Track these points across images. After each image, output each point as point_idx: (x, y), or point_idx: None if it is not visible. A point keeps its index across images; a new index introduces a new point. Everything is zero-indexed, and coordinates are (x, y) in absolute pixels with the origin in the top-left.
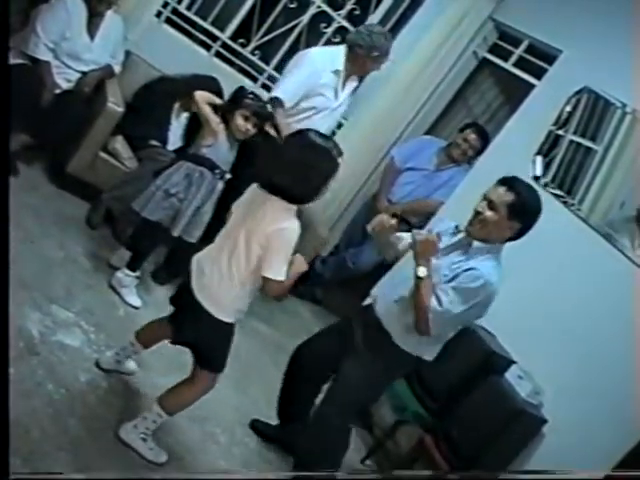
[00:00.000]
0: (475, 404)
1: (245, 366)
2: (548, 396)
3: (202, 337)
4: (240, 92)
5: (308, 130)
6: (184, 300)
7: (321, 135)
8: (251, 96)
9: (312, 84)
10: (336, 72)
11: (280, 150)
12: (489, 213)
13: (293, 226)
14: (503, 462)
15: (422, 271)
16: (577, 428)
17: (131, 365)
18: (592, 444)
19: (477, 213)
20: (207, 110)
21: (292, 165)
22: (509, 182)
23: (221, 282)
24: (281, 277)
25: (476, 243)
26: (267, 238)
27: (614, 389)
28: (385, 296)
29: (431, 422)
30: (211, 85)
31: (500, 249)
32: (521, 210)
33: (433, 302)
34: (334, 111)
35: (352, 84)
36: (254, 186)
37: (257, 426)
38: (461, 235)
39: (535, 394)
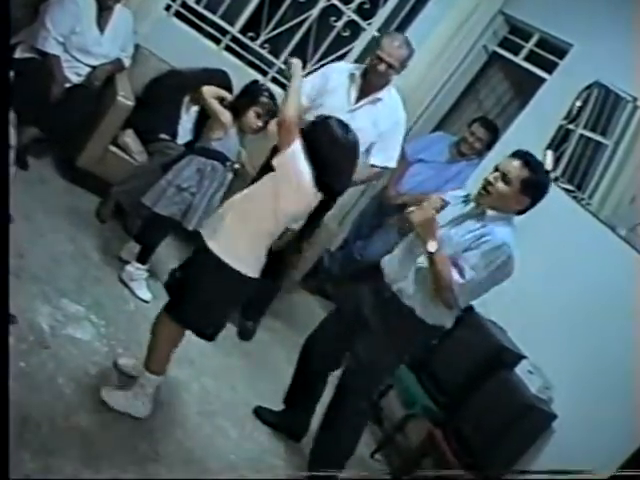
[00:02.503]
0: (485, 399)
1: (256, 361)
2: (558, 391)
3: (197, 278)
4: (255, 87)
5: (328, 120)
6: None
7: (342, 124)
8: (266, 93)
9: (322, 84)
10: (351, 76)
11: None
12: (501, 185)
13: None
14: (512, 457)
15: (432, 245)
16: (587, 423)
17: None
18: (602, 439)
19: (488, 183)
20: (215, 104)
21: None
22: (524, 157)
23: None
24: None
25: (489, 212)
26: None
27: (624, 385)
28: (399, 270)
29: (441, 416)
30: (221, 79)
31: (512, 217)
32: (534, 187)
33: (455, 275)
34: (350, 115)
35: (374, 95)
36: None
37: (260, 412)
38: (472, 204)
39: (545, 389)
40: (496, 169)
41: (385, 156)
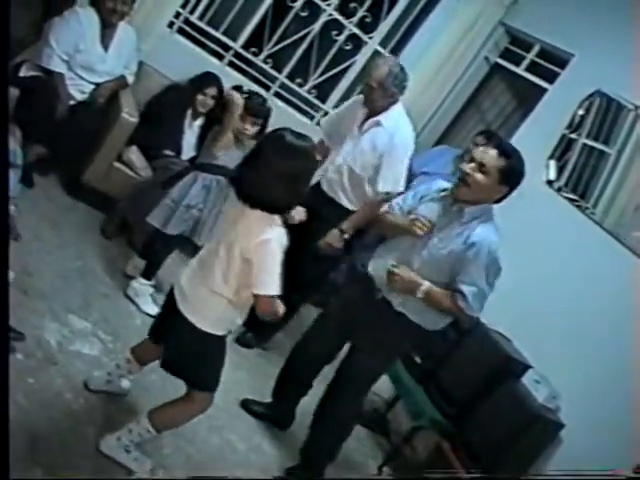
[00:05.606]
0: (492, 409)
1: (261, 373)
2: (565, 400)
3: (191, 353)
4: (254, 99)
5: (283, 131)
6: (170, 323)
7: (297, 134)
8: (260, 100)
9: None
10: (358, 104)
11: (258, 159)
12: (479, 176)
13: (278, 236)
14: (521, 467)
15: (421, 292)
16: (595, 432)
17: (125, 384)
18: (610, 448)
19: (466, 174)
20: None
21: (273, 175)
22: (499, 145)
23: (209, 298)
24: (273, 291)
25: (467, 209)
26: (253, 252)
27: (632, 393)
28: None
29: (448, 428)
30: (213, 81)
31: (491, 210)
32: (512, 175)
33: (459, 302)
34: (355, 141)
35: (373, 119)
36: (232, 200)
37: (247, 404)
38: (449, 200)
39: (552, 398)
40: (472, 159)
41: (392, 181)
